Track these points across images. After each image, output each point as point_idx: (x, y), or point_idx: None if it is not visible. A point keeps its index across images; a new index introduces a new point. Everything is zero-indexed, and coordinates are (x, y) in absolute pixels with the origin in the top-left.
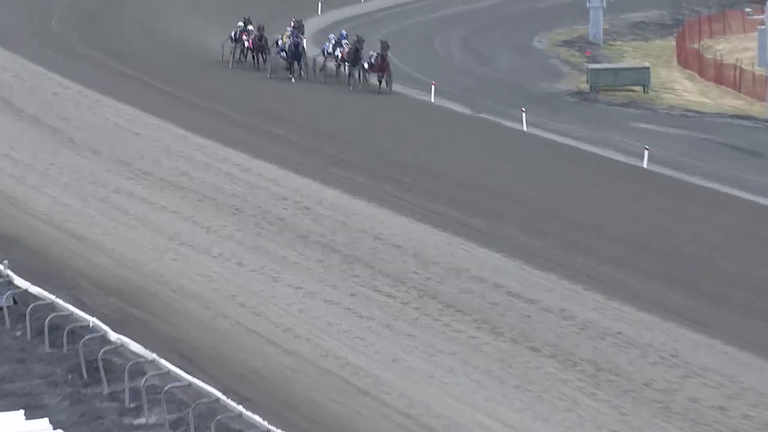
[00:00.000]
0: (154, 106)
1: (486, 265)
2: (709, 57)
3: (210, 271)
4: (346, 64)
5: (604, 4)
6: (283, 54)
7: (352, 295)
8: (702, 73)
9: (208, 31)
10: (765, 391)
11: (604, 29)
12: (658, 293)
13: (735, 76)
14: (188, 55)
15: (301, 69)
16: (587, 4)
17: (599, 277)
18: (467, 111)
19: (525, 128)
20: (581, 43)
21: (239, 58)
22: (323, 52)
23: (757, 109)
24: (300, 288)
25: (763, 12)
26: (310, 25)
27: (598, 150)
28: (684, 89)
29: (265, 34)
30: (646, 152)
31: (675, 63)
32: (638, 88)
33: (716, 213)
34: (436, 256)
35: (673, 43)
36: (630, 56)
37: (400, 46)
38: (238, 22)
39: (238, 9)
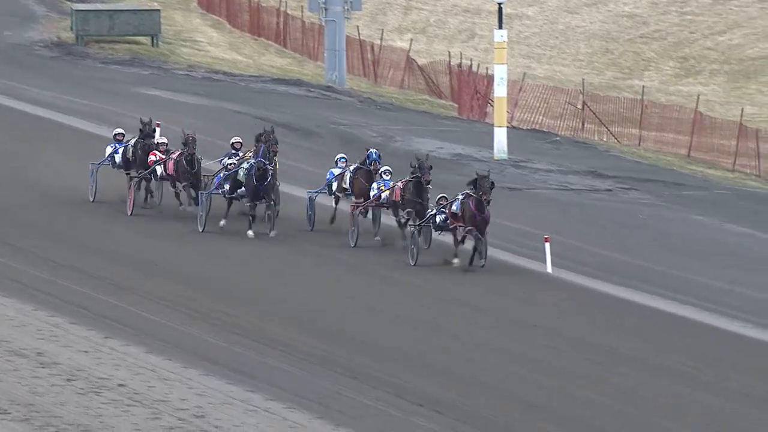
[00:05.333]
0: None
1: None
2: None
3: None
4: (404, 212)
5: None
6: (231, 189)
7: None
8: (232, 20)
9: None
10: None
11: None
12: None
13: (278, 24)
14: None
15: (266, 216)
16: None
17: None
18: None
19: None
20: None
21: (145, 196)
22: (329, 186)
23: (309, 70)
24: None
25: None
26: None
27: (90, 126)
28: (209, 42)
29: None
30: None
31: (195, 5)
32: (145, 40)
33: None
34: None
35: None
36: None
37: None
38: (115, 129)
39: None
